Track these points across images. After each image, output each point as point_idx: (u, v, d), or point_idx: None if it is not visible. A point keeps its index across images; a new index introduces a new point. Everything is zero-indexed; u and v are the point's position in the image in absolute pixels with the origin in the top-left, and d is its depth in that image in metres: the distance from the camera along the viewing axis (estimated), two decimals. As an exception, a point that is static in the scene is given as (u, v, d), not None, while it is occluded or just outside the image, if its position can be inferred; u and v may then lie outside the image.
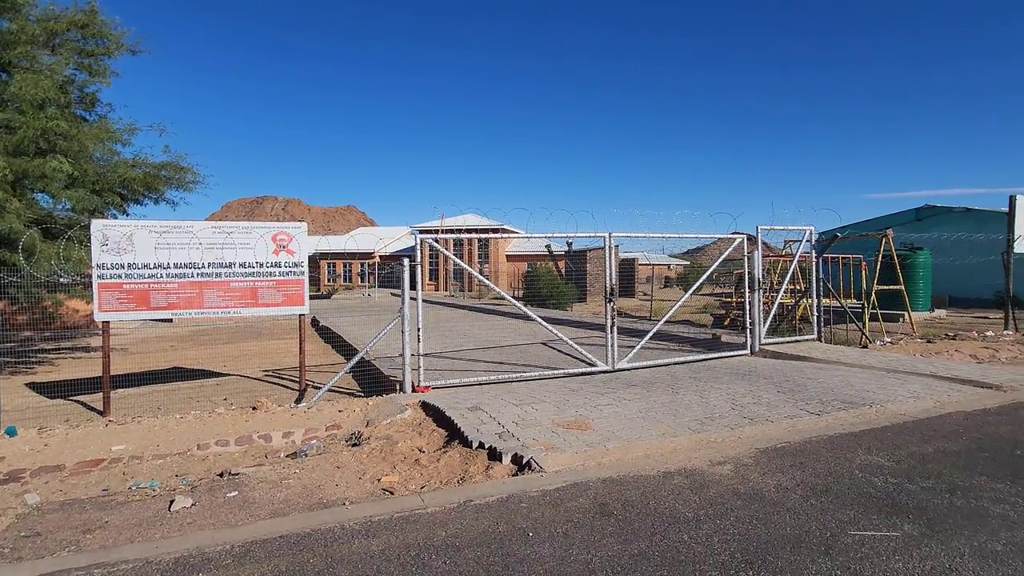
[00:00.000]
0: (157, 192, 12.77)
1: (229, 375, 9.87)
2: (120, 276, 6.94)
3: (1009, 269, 12.30)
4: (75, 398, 8.12)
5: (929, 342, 10.65)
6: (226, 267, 7.41)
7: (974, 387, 6.90)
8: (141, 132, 12.37)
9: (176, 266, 7.19)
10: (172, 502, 3.91)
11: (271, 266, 7.62)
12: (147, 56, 13.38)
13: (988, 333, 11.56)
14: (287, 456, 5.26)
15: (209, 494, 4.13)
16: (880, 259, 12.71)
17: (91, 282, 6.95)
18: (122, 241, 6.97)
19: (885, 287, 12.90)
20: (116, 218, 11.90)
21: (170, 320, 18.99)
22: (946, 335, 11.54)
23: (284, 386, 8.82)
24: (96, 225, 6.94)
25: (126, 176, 11.64)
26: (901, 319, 13.59)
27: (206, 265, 7.32)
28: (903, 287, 12.98)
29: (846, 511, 3.54)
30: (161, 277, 7.12)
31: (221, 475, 4.65)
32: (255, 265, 7.54)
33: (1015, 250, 12.26)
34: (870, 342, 10.47)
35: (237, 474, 4.55)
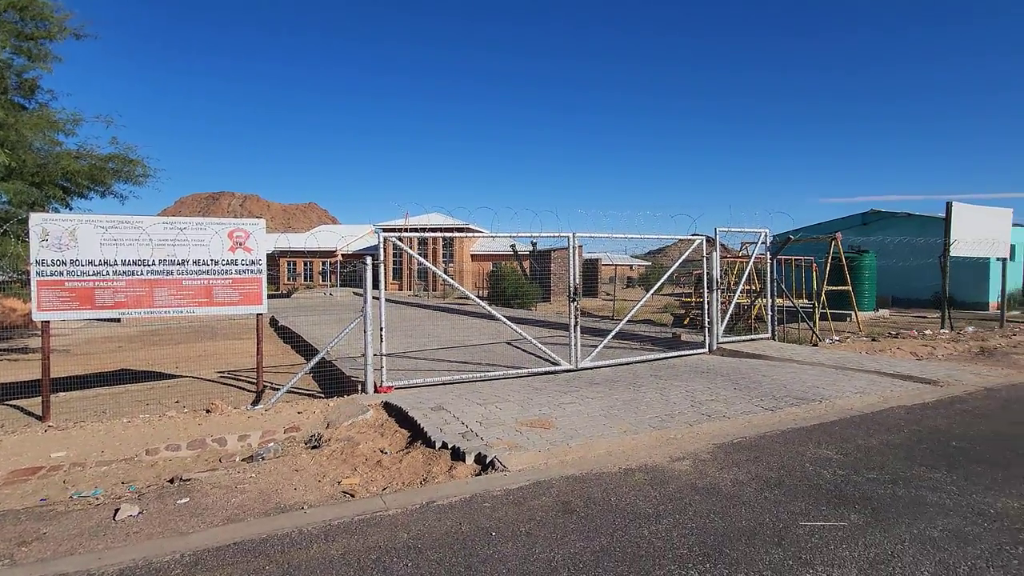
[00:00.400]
0: (104, 185, 12.14)
1: (182, 377, 9.48)
2: (62, 273, 6.57)
3: (945, 272, 13.06)
4: (11, 402, 7.64)
5: (874, 340, 11.19)
6: (178, 264, 7.11)
7: (914, 383, 7.29)
8: (87, 123, 11.72)
9: (124, 263, 6.85)
10: (117, 511, 3.72)
11: (227, 264, 7.36)
12: (95, 43, 12.78)
13: (927, 332, 12.24)
14: (243, 460, 5.09)
15: (158, 501, 3.95)
16: (830, 261, 13.29)
17: (29, 280, 6.55)
18: (64, 236, 6.60)
19: (834, 288, 13.50)
20: (58, 212, 11.26)
21: (118, 320, 18.10)
22: (889, 334, 12.15)
23: (241, 388, 8.53)
24: (35, 219, 6.54)
25: (69, 168, 11.03)
26: (848, 318, 14.24)
27: (157, 262, 7.01)
28: (851, 288, 13.62)
29: (797, 503, 3.68)
30: (107, 275, 6.77)
31: (171, 481, 4.46)
32: (210, 263, 7.27)
33: (951, 253, 13.02)
34: (820, 340, 10.93)
35: (189, 479, 4.37)
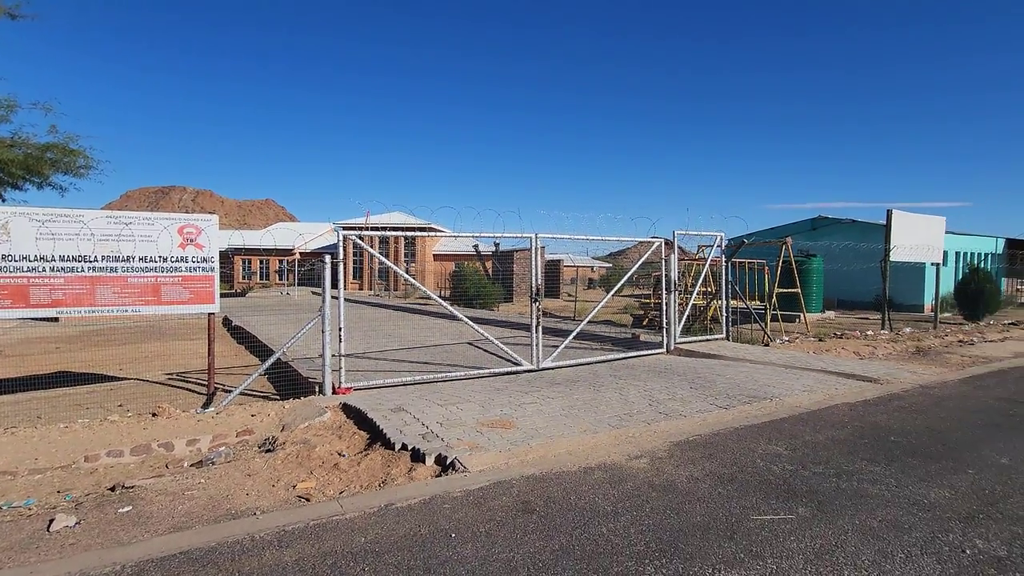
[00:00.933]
0: (41, 176, 11.46)
1: (126, 379, 9.03)
2: (-8, 269, 6.14)
3: (886, 275, 13.80)
4: (-68, 408, 7.09)
5: (821, 340, 11.71)
6: (124, 261, 6.76)
7: (857, 381, 7.66)
8: (23, 110, 11.00)
9: (63, 259, 6.47)
10: (52, 521, 3.50)
11: (177, 261, 7.05)
12: (36, 28, 12.01)
13: (869, 332, 12.90)
14: (191, 465, 4.88)
15: (97, 510, 3.74)
16: (780, 264, 13.84)
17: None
18: (-5, 230, 6.17)
19: (785, 290, 14.06)
20: (-12, 203, 10.54)
21: (56, 319, 17.06)
22: (835, 334, 12.74)
23: (190, 390, 8.19)
24: (-39, 211, 6.10)
25: (2, 157, 10.34)
26: (798, 319, 14.85)
27: (99, 258, 6.65)
28: (800, 290, 14.21)
29: (749, 498, 3.81)
30: (44, 271, 6.38)
31: (113, 489, 4.23)
32: (158, 259, 6.95)
33: (891, 259, 13.77)
34: (771, 340, 11.35)
35: (132, 487, 4.16)
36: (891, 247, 13.70)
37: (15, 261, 6.25)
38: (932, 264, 15.67)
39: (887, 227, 13.86)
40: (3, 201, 11.39)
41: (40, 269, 6.37)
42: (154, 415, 6.04)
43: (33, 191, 11.87)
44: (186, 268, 7.11)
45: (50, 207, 6.57)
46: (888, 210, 13.93)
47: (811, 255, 17.63)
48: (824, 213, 23.70)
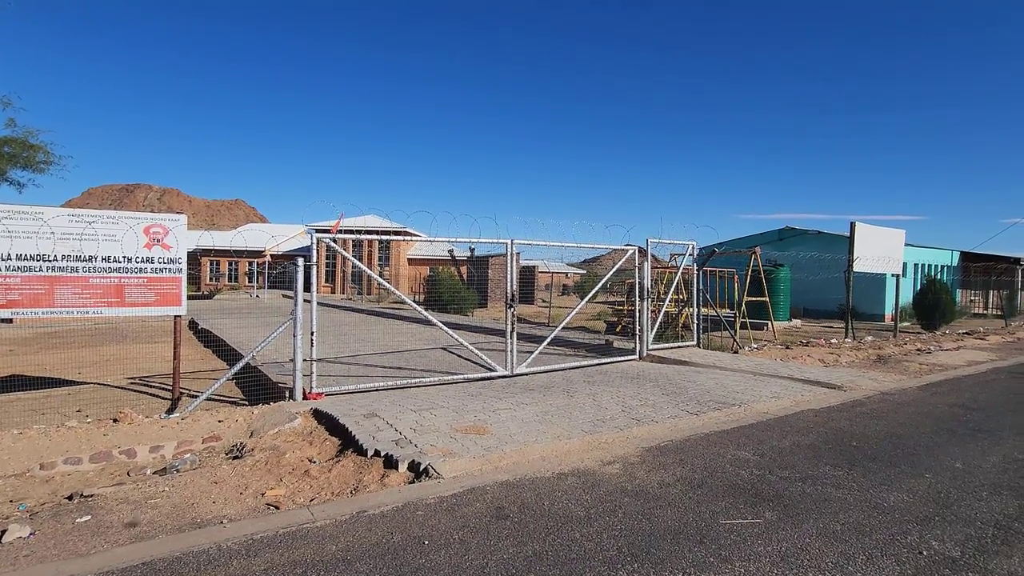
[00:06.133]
0: (-3, 171, 10.99)
1: (85, 383, 8.69)
2: (-58, 267, 5.86)
3: (849, 286, 14.28)
4: None
5: (788, 348, 12.03)
6: (85, 261, 6.53)
7: (822, 387, 7.90)
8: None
9: (19, 258, 6.21)
10: (4, 532, 3.35)
11: (142, 261, 6.84)
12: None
13: (833, 340, 13.31)
14: (155, 473, 4.73)
15: (54, 520, 3.59)
16: (750, 274, 14.18)
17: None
18: (-54, 226, 5.89)
19: (753, 299, 14.41)
20: (-61, 198, 10.04)
21: (9, 320, 16.31)
22: (801, 342, 13.11)
23: (154, 395, 7.94)
24: (-90, 206, 5.81)
25: (-45, 150, 9.90)
26: (766, 327, 15.23)
27: (59, 258, 6.40)
28: (768, 299, 14.58)
29: (718, 502, 3.88)
30: (-1, 270, 6.11)
31: (70, 498, 4.07)
32: (122, 260, 6.73)
33: (855, 269, 14.25)
34: (740, 348, 11.62)
35: (91, 496, 4.01)
36: (854, 258, 14.19)
37: (-33, 259, 5.97)
38: (892, 275, 16.28)
39: (851, 239, 14.35)
40: (-45, 196, 10.90)
41: (-6, 268, 6.10)
42: (115, 421, 5.83)
43: (-11, 186, 11.37)
44: (152, 269, 6.90)
45: (7, 203, 6.32)
46: (852, 223, 14.43)
47: (779, 265, 18.10)
48: (791, 224, 24.40)
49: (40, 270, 6.31)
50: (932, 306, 16.56)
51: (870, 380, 8.58)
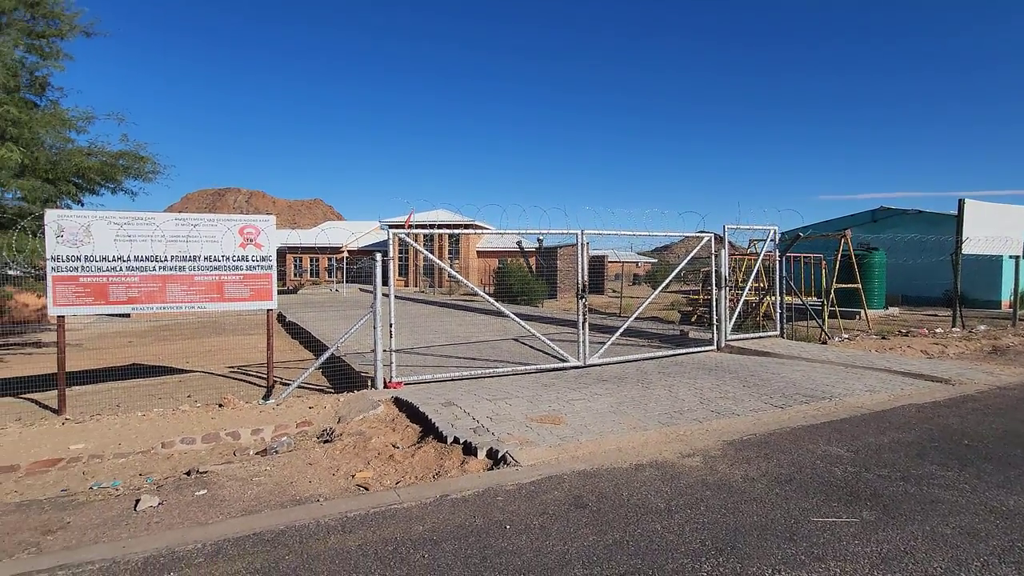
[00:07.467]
0: (115, 182, 12.26)
1: (192, 372, 9.58)
2: (77, 269, 6.65)
3: (958, 269, 12.96)
4: (27, 396, 7.75)
5: (884, 338, 11.14)
6: (190, 260, 7.19)
7: (925, 381, 7.26)
8: (99, 121, 11.83)
9: (137, 259, 6.93)
10: (138, 501, 3.79)
11: (238, 260, 7.43)
12: (102, 39, 12.86)
13: (938, 330, 12.17)
14: (256, 453, 5.16)
15: (176, 493, 4.02)
16: (839, 258, 13.23)
17: (43, 275, 6.64)
18: (79, 232, 6.68)
19: (843, 285, 13.44)
20: (70, 208, 11.37)
21: (127, 315, 18.24)
22: (900, 332, 12.09)
23: (251, 383, 8.62)
24: (51, 215, 6.63)
25: (81, 165, 11.14)
26: (858, 316, 14.17)
27: (169, 258, 7.09)
28: (860, 286, 13.55)
29: (808, 499, 3.69)
30: (121, 270, 6.86)
31: (188, 473, 4.53)
32: (221, 259, 7.34)
33: (963, 251, 12.93)
34: (829, 338, 10.89)
35: (205, 472, 4.44)
36: (963, 239, 12.87)
37: (96, 261, 6.74)
38: (1011, 257, 14.60)
39: (958, 217, 13.02)
40: (82, 205, 12.27)
41: (118, 268, 6.85)
42: (220, 406, 6.40)
43: (108, 195, 12.70)
44: (246, 267, 7.48)
45: (126, 211, 7.06)
46: (960, 199, 13.08)
47: (872, 248, 16.76)
48: (885, 204, 22.46)
49: (154, 269, 7.01)
50: (1059, 291, 14.69)
51: (984, 374, 7.78)
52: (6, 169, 9.55)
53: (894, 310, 17.40)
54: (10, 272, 10.26)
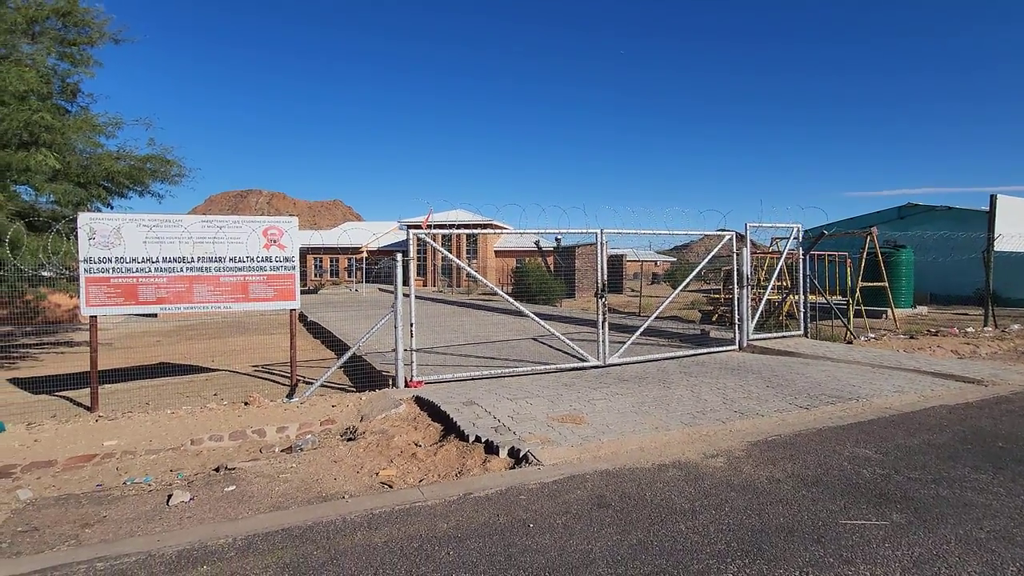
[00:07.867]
0: (142, 185, 12.59)
1: (218, 370, 9.79)
2: (108, 270, 6.85)
3: (989, 267, 12.60)
4: (60, 393, 8.01)
5: (912, 338, 10.89)
6: (216, 261, 7.35)
7: (956, 382, 7.08)
8: (127, 126, 12.17)
9: (166, 260, 7.11)
10: (170, 496, 3.90)
11: (262, 260, 7.57)
12: (129, 45, 13.20)
13: (969, 329, 11.85)
14: (282, 451, 5.25)
15: (206, 488, 4.12)
16: (865, 256, 12.95)
17: (75, 276, 6.85)
18: (110, 235, 6.88)
19: (869, 284, 13.15)
20: (100, 211, 11.70)
21: (155, 315, 18.71)
22: (928, 331, 11.80)
23: (275, 381, 8.77)
24: (83, 219, 6.84)
25: (111, 169, 11.46)
26: (884, 315, 13.86)
27: (196, 259, 7.25)
28: (887, 284, 13.24)
29: (836, 501, 3.64)
30: (150, 271, 7.04)
31: (217, 470, 4.63)
32: (246, 259, 7.49)
33: (996, 248, 12.56)
34: (855, 338, 10.68)
35: (233, 468, 4.54)
36: (996, 236, 12.51)
37: (127, 263, 6.93)
38: (1045, 254, 14.16)
39: (990, 214, 12.69)
40: (111, 208, 12.61)
41: (147, 270, 7.03)
42: (246, 404, 6.53)
43: (135, 198, 13.06)
44: (270, 267, 7.62)
45: (155, 213, 7.24)
46: (992, 195, 12.74)
47: (899, 246, 16.38)
48: (912, 200, 21.95)
49: (181, 270, 7.18)
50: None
51: (1018, 374, 7.56)
52: (41, 174, 9.86)
53: (922, 309, 16.99)
54: (44, 274, 10.61)
